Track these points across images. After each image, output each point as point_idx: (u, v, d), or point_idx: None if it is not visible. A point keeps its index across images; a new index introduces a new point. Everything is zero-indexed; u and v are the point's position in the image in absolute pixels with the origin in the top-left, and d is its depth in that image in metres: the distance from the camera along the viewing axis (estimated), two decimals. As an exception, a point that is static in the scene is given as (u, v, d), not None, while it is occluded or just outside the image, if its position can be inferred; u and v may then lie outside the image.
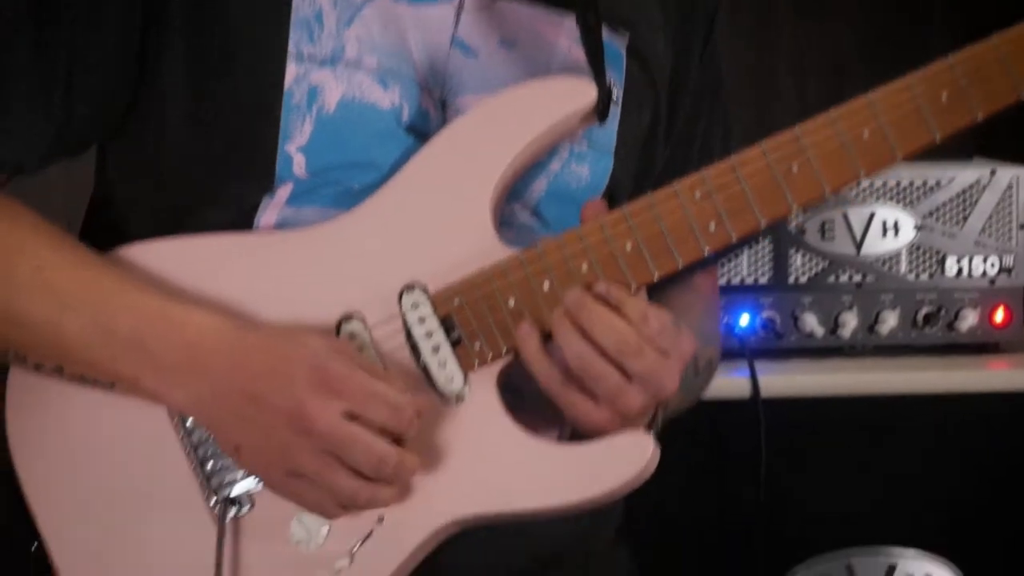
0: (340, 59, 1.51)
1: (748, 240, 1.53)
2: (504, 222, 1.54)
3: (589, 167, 1.58)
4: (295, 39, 1.50)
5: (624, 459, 1.46)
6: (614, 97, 1.54)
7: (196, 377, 1.43)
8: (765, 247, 2.53)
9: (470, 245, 1.48)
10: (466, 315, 1.48)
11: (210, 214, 1.52)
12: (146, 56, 1.51)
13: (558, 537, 1.59)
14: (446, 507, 1.47)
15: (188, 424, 1.49)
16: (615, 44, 1.60)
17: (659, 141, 1.66)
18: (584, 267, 1.46)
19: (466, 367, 1.48)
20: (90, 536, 1.52)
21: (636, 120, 1.62)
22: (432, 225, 1.49)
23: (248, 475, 1.48)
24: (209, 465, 1.49)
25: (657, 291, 1.54)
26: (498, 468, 1.47)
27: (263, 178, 1.51)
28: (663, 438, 2.44)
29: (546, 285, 1.46)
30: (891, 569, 2.52)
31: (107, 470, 1.51)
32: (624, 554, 1.73)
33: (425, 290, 1.48)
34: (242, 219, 1.52)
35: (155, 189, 1.55)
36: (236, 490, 1.49)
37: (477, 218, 1.49)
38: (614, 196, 1.59)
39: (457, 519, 1.48)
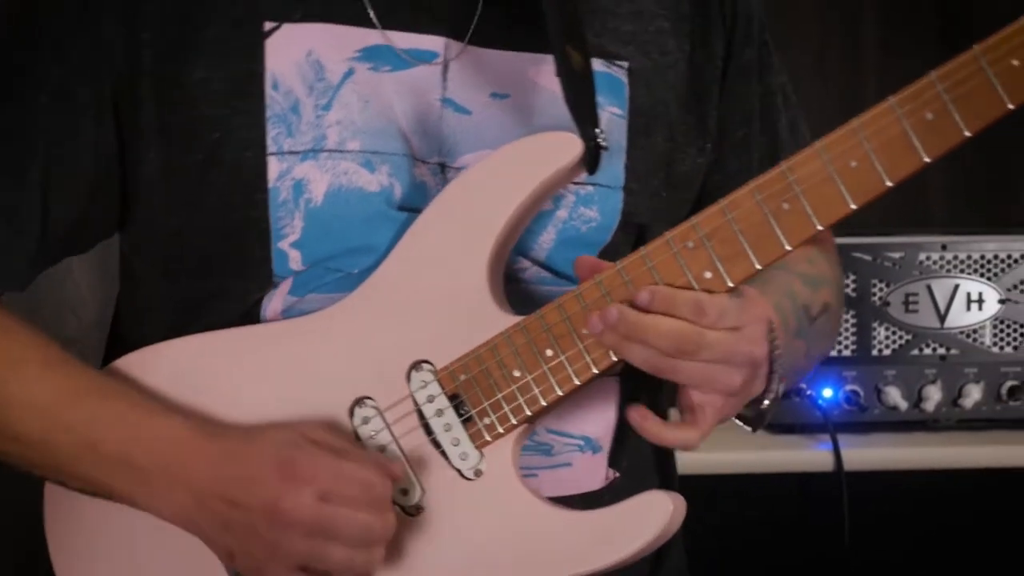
0: (322, 149, 1.50)
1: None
2: (513, 278, 1.54)
3: (598, 207, 1.56)
4: (273, 135, 1.50)
5: (644, 520, 1.46)
6: (603, 143, 1.49)
7: (179, 489, 1.46)
8: (848, 319, 2.52)
9: (471, 316, 1.49)
10: (474, 390, 1.48)
11: (221, 306, 1.54)
12: (126, 168, 1.53)
13: None
14: None
15: None
16: (614, 72, 1.57)
17: (682, 149, 1.61)
18: (585, 328, 1.45)
19: (480, 443, 1.49)
20: None
21: (646, 145, 1.59)
22: (432, 300, 1.50)
23: None
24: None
25: None
26: (521, 539, 1.48)
27: (261, 277, 1.52)
28: (744, 511, 2.47)
29: (549, 352, 1.47)
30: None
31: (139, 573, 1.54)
32: None
33: (432, 368, 1.49)
34: (251, 310, 1.54)
35: (168, 284, 1.57)
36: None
37: (474, 289, 1.49)
38: (632, 228, 1.58)
39: None
